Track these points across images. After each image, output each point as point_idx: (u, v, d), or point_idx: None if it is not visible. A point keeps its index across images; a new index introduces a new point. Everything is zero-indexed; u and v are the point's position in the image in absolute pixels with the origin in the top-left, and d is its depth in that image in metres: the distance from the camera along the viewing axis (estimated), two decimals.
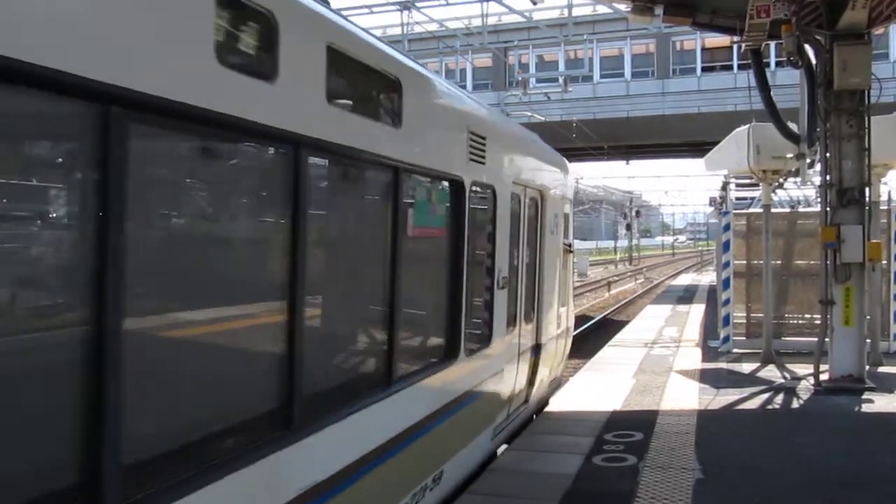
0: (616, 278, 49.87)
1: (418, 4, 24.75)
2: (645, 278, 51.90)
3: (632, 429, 8.95)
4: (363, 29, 4.87)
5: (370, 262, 5.07)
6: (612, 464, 7.65)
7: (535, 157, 9.26)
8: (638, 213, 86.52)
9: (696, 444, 8.35)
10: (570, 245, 11.14)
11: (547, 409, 10.72)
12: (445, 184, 6.08)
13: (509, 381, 8.05)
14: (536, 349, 9.15)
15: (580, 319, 27.02)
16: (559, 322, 10.47)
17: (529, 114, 28.12)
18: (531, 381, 9.12)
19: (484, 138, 6.65)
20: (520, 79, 26.15)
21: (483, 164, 6.61)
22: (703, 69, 34.33)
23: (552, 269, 9.81)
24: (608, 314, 28.90)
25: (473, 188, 6.39)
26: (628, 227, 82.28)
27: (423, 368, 5.67)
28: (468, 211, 6.23)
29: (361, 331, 5.14)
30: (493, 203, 7.11)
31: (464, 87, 33.76)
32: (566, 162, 11.36)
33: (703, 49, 34.40)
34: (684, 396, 10.98)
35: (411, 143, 5.16)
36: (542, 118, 28.37)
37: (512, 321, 8.03)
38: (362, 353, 5.12)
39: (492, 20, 29.33)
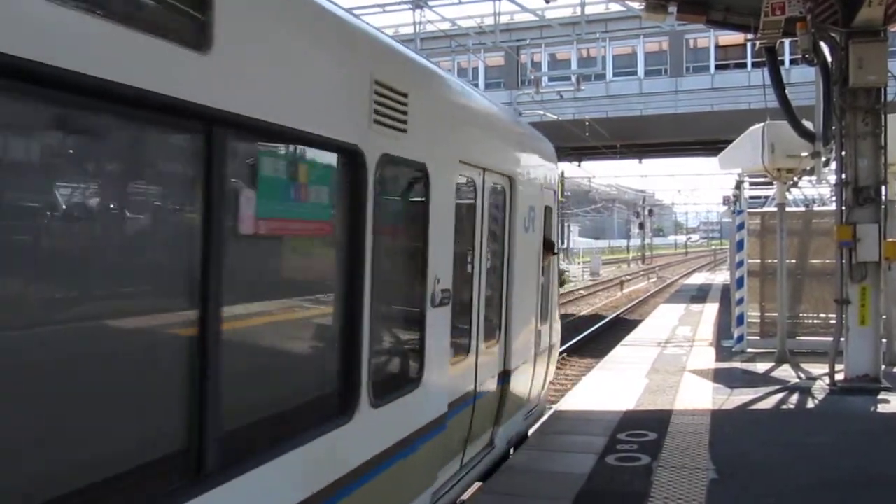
0: (629, 277, 49.76)
1: (430, 3, 24.76)
2: (658, 277, 51.75)
3: (645, 428, 8.92)
4: None
5: (142, 272, 2.99)
6: (626, 463, 7.63)
7: (500, 132, 7.43)
8: (651, 211, 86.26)
9: (710, 444, 8.32)
10: (554, 245, 9.11)
11: (558, 408, 10.71)
12: (330, 156, 4.13)
13: (459, 425, 6.20)
14: (504, 377, 7.30)
15: (592, 319, 26.99)
16: (539, 340, 8.54)
17: (542, 112, 28.09)
18: (497, 419, 7.31)
19: (405, 95, 4.74)
20: (532, 77, 26.10)
21: (403, 131, 4.73)
22: (717, 67, 34.17)
23: (527, 276, 7.94)
24: (621, 313, 28.83)
25: (385, 164, 4.51)
26: (641, 226, 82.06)
27: (280, 440, 3.61)
28: (374, 197, 4.33)
29: (135, 393, 2.89)
30: (424, 188, 5.18)
31: (476, 85, 33.79)
32: (550, 146, 9.38)
33: (717, 47, 34.23)
34: (698, 396, 10.93)
35: (237, 80, 3.18)
36: (555, 117, 28.34)
37: (462, 347, 6.25)
38: (131, 431, 2.86)
39: (504, 19, 29.31)
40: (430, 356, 5.31)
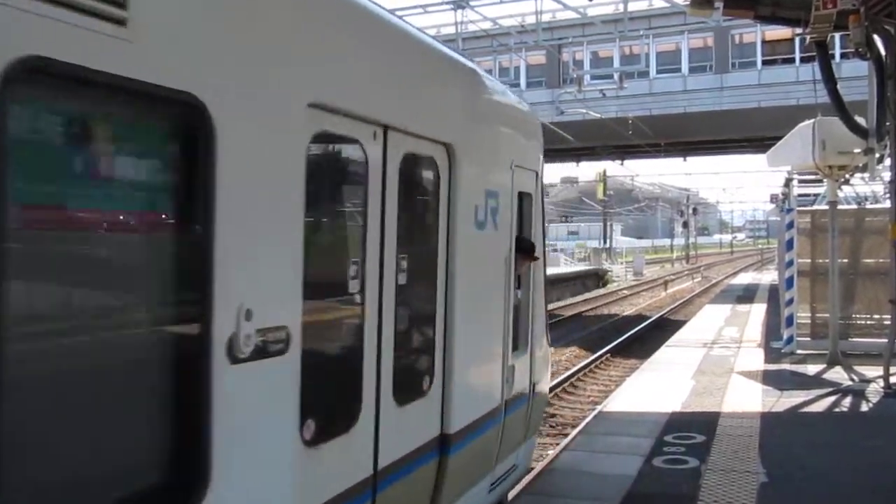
0: (672, 277, 49.13)
1: (472, 3, 24.76)
2: (702, 277, 51.02)
3: (693, 431, 8.81)
4: None
5: None
6: (674, 466, 7.54)
7: (425, 72, 4.89)
8: (695, 210, 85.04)
9: (760, 447, 8.18)
10: (534, 247, 6.53)
11: (603, 409, 10.62)
12: None
13: None
14: (444, 444, 4.89)
15: (636, 319, 26.70)
16: (511, 378, 6.02)
17: (584, 111, 27.88)
18: None
19: None
20: (574, 76, 25.92)
21: (116, 21, 2.42)
22: (764, 62, 33.51)
23: (484, 293, 5.55)
24: (665, 314, 28.49)
25: (36, 80, 2.24)
26: (685, 225, 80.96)
27: None
28: None
29: None
30: (202, 144, 2.85)
31: (517, 84, 33.68)
32: (530, 111, 7.04)
33: (764, 42, 33.58)
34: (747, 398, 10.74)
35: None
36: (598, 115, 28.10)
37: (339, 417, 3.87)
38: None
39: (546, 17, 29.16)
40: (230, 452, 2.94)
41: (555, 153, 40.07)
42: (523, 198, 6.38)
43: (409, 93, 4.53)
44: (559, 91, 31.29)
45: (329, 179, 4.03)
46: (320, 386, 3.65)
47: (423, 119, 4.58)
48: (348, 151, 3.96)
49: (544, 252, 7.04)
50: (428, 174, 4.83)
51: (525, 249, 6.28)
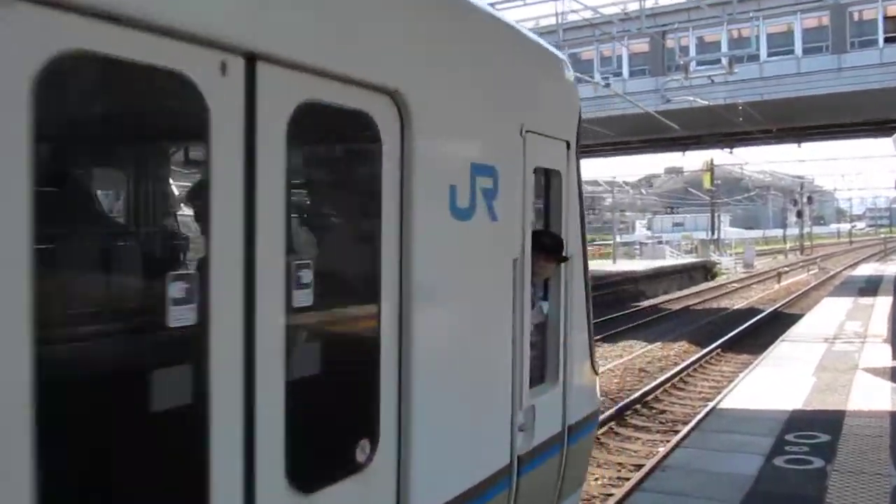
0: (786, 269, 47.09)
1: None
2: (819, 269, 48.61)
3: (816, 430, 8.44)
4: None
5: None
6: (796, 466, 7.27)
7: None
8: (810, 198, 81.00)
9: (892, 448, 7.75)
10: (562, 245, 4.70)
11: (718, 406, 10.30)
12: None
13: None
14: None
15: (748, 313, 25.70)
16: (525, 431, 4.16)
17: (691, 98, 27.05)
18: None
19: None
20: (681, 63, 25.15)
21: None
22: (886, 40, 31.49)
23: (469, 310, 3.80)
24: (779, 307, 27.35)
25: None
26: (799, 215, 77.28)
27: None
28: None
29: None
30: None
31: (619, 74, 32.99)
32: (555, 58, 4.94)
33: (886, 18, 31.57)
34: (874, 396, 10.18)
35: None
36: (705, 102, 27.20)
37: None
38: None
39: (649, 3, 28.46)
40: None
41: (660, 143, 39.03)
42: (549, 177, 4.69)
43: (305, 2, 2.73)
44: (664, 79, 30.45)
45: (114, 137, 2.68)
46: (105, 483, 2.32)
47: (338, 49, 2.79)
48: (166, 92, 2.39)
49: (584, 249, 5.21)
50: (356, 137, 3.22)
51: (548, 247, 4.54)
